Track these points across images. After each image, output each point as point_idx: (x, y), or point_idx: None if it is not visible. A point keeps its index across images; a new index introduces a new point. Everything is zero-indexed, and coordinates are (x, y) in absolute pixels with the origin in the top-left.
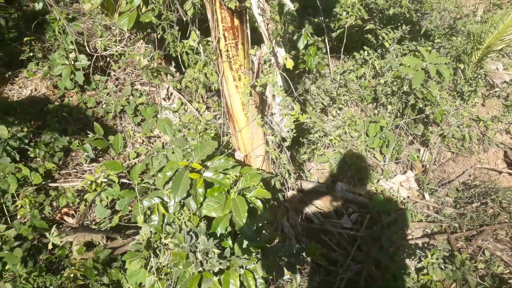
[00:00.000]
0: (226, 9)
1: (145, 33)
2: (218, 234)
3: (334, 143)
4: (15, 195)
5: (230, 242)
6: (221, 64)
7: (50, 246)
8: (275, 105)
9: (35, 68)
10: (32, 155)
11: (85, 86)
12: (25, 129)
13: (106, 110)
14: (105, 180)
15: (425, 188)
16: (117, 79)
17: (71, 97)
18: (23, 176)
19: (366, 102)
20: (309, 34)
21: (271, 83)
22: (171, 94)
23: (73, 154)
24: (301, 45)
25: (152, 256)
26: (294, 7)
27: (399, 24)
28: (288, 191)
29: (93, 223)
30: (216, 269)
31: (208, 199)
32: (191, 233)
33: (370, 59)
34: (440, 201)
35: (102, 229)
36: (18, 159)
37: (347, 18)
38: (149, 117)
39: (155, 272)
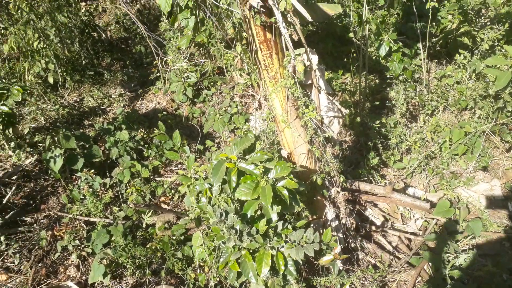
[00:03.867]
0: (259, 25)
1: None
2: (249, 216)
3: (415, 148)
4: (127, 185)
5: (261, 224)
6: (261, 72)
7: (144, 225)
8: (323, 108)
9: (161, 86)
10: (146, 154)
11: (195, 100)
12: (141, 134)
13: (207, 119)
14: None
15: (511, 198)
16: (221, 93)
17: (184, 108)
18: (137, 170)
19: (461, 107)
20: (392, 41)
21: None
22: (260, 103)
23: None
24: (382, 51)
25: (201, 234)
26: (310, 18)
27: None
28: (333, 188)
29: (183, 210)
30: (252, 247)
31: (241, 185)
32: (221, 211)
33: (467, 62)
34: None
35: (174, 211)
36: (134, 157)
37: (450, 21)
38: (210, 120)
39: (203, 244)
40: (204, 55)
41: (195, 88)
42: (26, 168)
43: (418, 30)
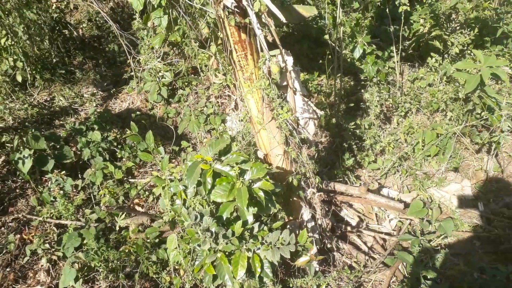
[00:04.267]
0: (233, 26)
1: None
2: (225, 218)
3: (388, 149)
4: (100, 187)
5: (237, 226)
6: (236, 72)
7: (117, 228)
8: (298, 109)
9: (134, 85)
10: (119, 155)
11: (170, 99)
12: (114, 134)
13: (182, 119)
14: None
15: (481, 198)
16: (196, 93)
17: (158, 108)
18: (110, 172)
19: (433, 109)
20: (366, 44)
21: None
22: (237, 104)
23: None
24: (356, 54)
25: (176, 237)
26: (285, 19)
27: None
28: (309, 189)
29: (158, 212)
30: (227, 249)
31: (217, 187)
32: (196, 213)
33: (439, 65)
34: (496, 211)
35: (148, 213)
36: (107, 158)
37: (422, 25)
38: (185, 120)
39: (178, 247)
40: (178, 55)
41: (170, 88)
42: None
43: (392, 33)
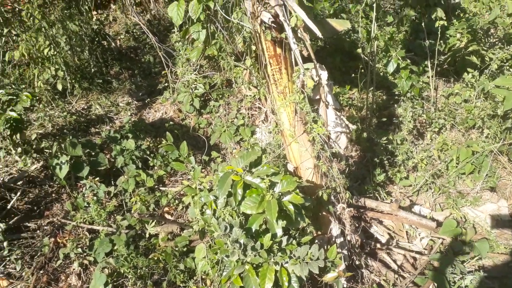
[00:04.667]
0: (269, 40)
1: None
2: (253, 230)
3: (421, 166)
4: (132, 194)
5: (266, 239)
6: (270, 86)
7: (147, 235)
8: (330, 123)
9: (168, 96)
10: (151, 164)
11: (202, 110)
12: (147, 143)
13: (213, 130)
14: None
15: None
16: (228, 104)
17: (191, 119)
18: (142, 179)
19: (468, 126)
20: (400, 58)
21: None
22: (267, 116)
23: None
24: (390, 68)
25: (205, 247)
26: (320, 34)
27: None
28: (338, 204)
29: (187, 221)
30: (255, 262)
31: (247, 198)
32: (226, 224)
33: (475, 81)
34: None
35: (178, 221)
36: (140, 166)
37: (458, 40)
38: (218, 131)
39: (206, 256)
40: (213, 68)
41: (202, 99)
42: (32, 174)
43: (427, 48)
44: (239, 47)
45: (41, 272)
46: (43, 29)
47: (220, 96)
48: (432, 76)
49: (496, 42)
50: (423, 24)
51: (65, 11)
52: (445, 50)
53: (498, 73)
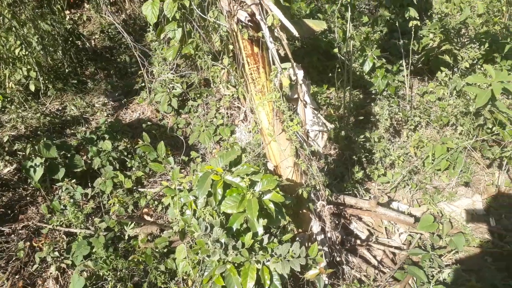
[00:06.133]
0: (247, 39)
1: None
2: (234, 229)
3: (398, 163)
4: (110, 196)
5: (247, 238)
6: (248, 85)
7: (126, 237)
8: (308, 122)
9: (145, 96)
10: (129, 165)
11: (180, 110)
12: (124, 144)
13: (192, 130)
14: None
15: (492, 213)
16: (206, 104)
17: (168, 119)
18: (119, 181)
19: (443, 123)
20: (375, 57)
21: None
22: (246, 115)
23: None
24: (366, 67)
25: (185, 247)
26: (297, 33)
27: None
28: (318, 201)
29: (166, 222)
30: (237, 261)
31: (227, 198)
32: (206, 223)
33: (448, 80)
34: (508, 227)
35: (158, 222)
36: (117, 167)
37: (431, 39)
38: (197, 131)
39: (187, 257)
40: (190, 67)
41: (180, 99)
42: (5, 177)
43: (401, 47)
44: (216, 46)
45: (17, 277)
46: (13, 28)
47: (198, 95)
48: (407, 75)
49: (467, 42)
50: (397, 24)
51: (36, 10)
52: (419, 49)
53: (470, 71)
